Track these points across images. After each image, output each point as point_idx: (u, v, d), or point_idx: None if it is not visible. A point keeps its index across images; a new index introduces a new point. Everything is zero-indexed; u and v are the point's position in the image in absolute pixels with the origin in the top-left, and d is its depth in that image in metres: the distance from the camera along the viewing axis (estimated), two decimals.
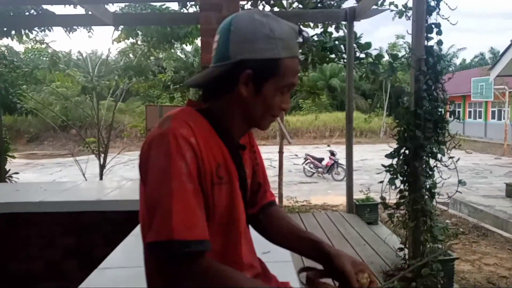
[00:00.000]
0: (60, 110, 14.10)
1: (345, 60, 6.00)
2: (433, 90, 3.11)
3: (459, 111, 24.42)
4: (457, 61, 37.81)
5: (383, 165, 3.33)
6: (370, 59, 5.66)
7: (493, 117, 23.38)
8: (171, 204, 0.82)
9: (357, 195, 6.03)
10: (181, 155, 0.85)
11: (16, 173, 6.35)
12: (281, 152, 7.11)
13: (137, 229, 2.26)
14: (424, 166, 3.19)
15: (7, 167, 5.87)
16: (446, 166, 3.13)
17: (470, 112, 25.60)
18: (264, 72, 0.93)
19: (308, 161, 12.19)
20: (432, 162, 3.24)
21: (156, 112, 6.75)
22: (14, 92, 6.39)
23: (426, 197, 3.23)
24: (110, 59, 8.15)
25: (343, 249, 1.03)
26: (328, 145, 14.66)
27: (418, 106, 3.10)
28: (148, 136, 0.92)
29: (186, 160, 0.85)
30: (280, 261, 1.62)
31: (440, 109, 3.13)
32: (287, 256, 1.72)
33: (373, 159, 14.23)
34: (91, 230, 2.99)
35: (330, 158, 11.82)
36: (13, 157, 6.91)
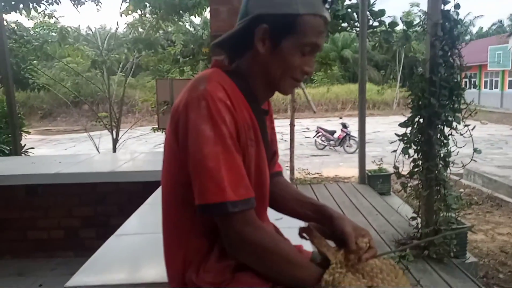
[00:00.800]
0: (71, 86, 14.19)
1: (358, 29, 5.84)
2: (449, 56, 3.01)
3: (474, 81, 23.81)
4: (474, 30, 36.59)
5: (396, 134, 3.28)
6: (384, 27, 5.48)
7: (510, 87, 22.77)
8: (219, 168, 0.83)
9: (370, 167, 6.01)
10: (222, 118, 0.85)
11: (32, 148, 6.46)
12: (292, 125, 7.08)
13: (151, 198, 2.30)
14: (438, 134, 3.13)
15: (22, 142, 5.97)
16: (461, 135, 3.07)
17: (486, 82, 24.96)
18: (281, 27, 0.90)
19: (320, 134, 12.12)
20: (446, 130, 3.18)
21: (167, 85, 6.70)
22: (26, 67, 6.41)
23: (440, 166, 3.19)
24: (119, 33, 8.09)
25: (355, 219, 1.04)
26: (340, 118, 14.55)
27: (434, 73, 3.01)
28: (183, 98, 0.90)
29: (227, 123, 0.85)
30: (293, 227, 1.63)
31: (456, 76, 3.04)
32: (300, 223, 1.73)
33: (385, 131, 14.07)
34: (106, 201, 3.06)
35: (342, 130, 11.74)
36: (28, 132, 7.02)
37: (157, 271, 1.32)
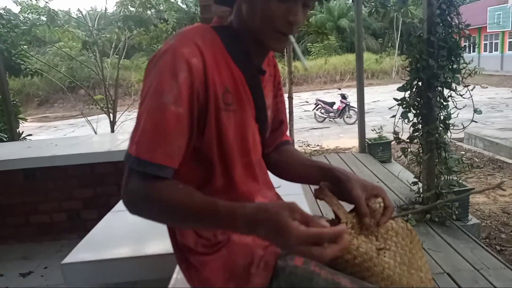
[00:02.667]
0: (66, 71, 14.03)
1: None
2: (447, 15, 2.91)
3: (473, 42, 23.43)
4: None
5: (395, 99, 3.22)
6: None
7: (510, 49, 22.44)
8: (140, 122, 0.79)
9: (370, 136, 5.97)
10: (173, 74, 0.78)
11: (30, 135, 6.42)
12: (290, 98, 7.00)
13: None
14: (438, 97, 3.08)
15: (20, 130, 5.92)
16: (461, 96, 3.01)
17: (485, 44, 24.57)
18: None
19: (319, 106, 12.03)
20: (446, 92, 3.12)
21: None
22: (17, 53, 6.30)
23: (441, 129, 3.15)
24: (109, 13, 7.93)
25: None
26: (339, 89, 14.40)
27: (431, 33, 2.92)
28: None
29: (178, 80, 0.78)
30: (292, 194, 1.62)
31: (454, 35, 2.95)
32: (299, 190, 1.72)
33: (385, 100, 13.96)
34: (106, 181, 3.04)
35: (341, 101, 11.65)
36: (25, 119, 6.96)
37: (155, 243, 1.31)
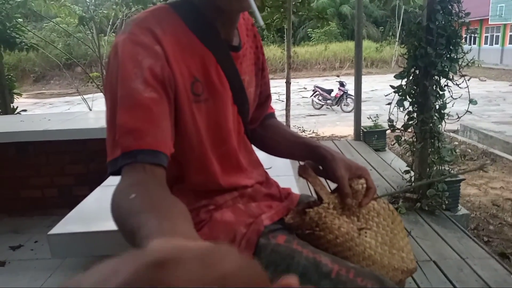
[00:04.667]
0: (63, 48, 13.87)
1: None
2: (447, 2, 2.89)
3: (473, 33, 23.33)
4: None
5: (391, 86, 3.21)
6: None
7: (510, 42, 22.36)
8: (115, 119, 0.69)
9: (366, 124, 5.96)
10: (136, 61, 0.71)
11: (24, 110, 6.37)
12: (288, 82, 6.95)
13: None
14: (434, 85, 3.07)
15: (15, 105, 5.87)
16: (458, 85, 3.00)
17: (486, 37, 24.46)
18: None
19: (317, 93, 11.99)
20: (443, 81, 3.11)
21: None
22: (12, 26, 6.18)
23: (435, 118, 3.15)
24: None
25: None
26: (338, 76, 14.34)
27: (431, 20, 2.89)
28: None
29: (142, 66, 0.70)
30: (282, 175, 1.62)
31: (453, 24, 2.93)
32: (289, 171, 1.72)
33: (383, 90, 13.87)
34: (99, 158, 3.03)
35: (339, 89, 11.61)
36: (20, 94, 6.89)
37: None
